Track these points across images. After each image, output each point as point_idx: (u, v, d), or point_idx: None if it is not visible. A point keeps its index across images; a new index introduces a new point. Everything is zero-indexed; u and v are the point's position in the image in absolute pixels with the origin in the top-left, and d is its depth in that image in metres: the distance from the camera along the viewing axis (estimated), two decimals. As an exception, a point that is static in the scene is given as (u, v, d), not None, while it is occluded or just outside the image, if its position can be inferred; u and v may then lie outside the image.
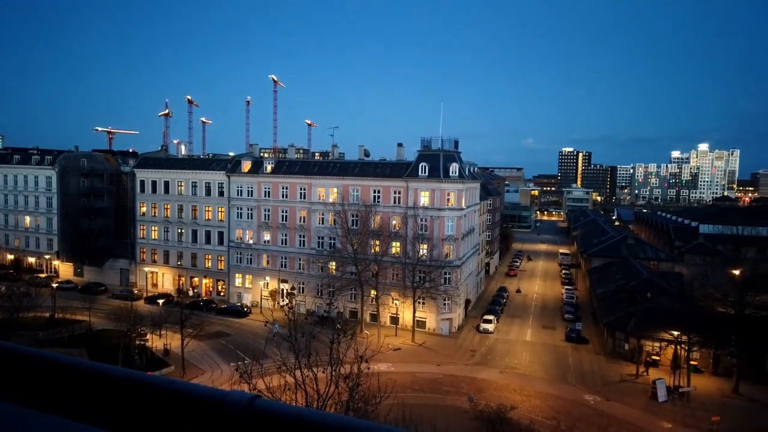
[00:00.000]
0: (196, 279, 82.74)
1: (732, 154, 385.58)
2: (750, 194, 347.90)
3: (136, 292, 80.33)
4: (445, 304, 67.21)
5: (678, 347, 51.53)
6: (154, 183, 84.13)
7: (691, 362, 51.29)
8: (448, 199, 68.01)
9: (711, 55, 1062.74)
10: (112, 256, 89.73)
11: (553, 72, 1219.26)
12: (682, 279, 70.14)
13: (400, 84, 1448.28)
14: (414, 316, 65.15)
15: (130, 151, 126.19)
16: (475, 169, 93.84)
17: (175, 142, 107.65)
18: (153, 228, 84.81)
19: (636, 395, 48.20)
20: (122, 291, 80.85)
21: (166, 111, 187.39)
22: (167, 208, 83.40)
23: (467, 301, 75.81)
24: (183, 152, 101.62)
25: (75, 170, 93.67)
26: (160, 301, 64.77)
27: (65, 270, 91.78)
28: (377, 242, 67.62)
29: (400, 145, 76.72)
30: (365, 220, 67.90)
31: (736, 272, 56.86)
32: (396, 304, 67.35)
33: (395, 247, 68.97)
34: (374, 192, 70.64)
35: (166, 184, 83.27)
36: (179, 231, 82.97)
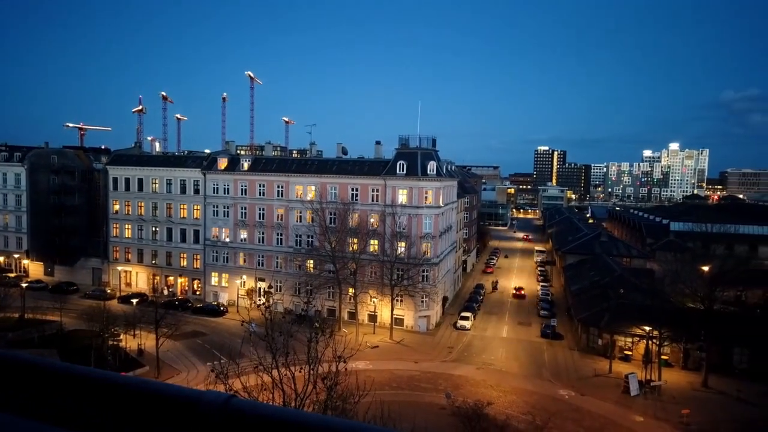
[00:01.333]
0: (171, 278, 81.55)
1: (701, 153, 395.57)
2: (719, 192, 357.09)
3: (109, 291, 78.88)
4: (423, 301, 67.54)
5: (649, 342, 52.71)
6: (127, 180, 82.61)
7: (662, 357, 52.57)
8: (426, 197, 68.30)
9: (683, 58, 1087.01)
10: (84, 255, 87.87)
11: (527, 72, 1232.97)
12: (653, 275, 71.77)
13: (378, 82, 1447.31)
14: (392, 314, 65.33)
15: (103, 147, 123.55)
16: (453, 167, 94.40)
17: (149, 138, 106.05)
18: (126, 226, 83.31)
19: (609, 389, 49.18)
20: (95, 290, 79.24)
21: (140, 107, 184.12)
22: (141, 206, 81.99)
23: (445, 299, 76.31)
24: (157, 149, 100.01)
25: (45, 167, 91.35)
26: (134, 301, 63.65)
27: (35, 269, 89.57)
28: (355, 240, 67.57)
29: (378, 143, 76.79)
30: (343, 218, 67.77)
31: (705, 268, 58.36)
32: (374, 302, 67.42)
33: (373, 245, 69.01)
34: (352, 190, 70.54)
35: (140, 181, 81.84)
36: (154, 229, 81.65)
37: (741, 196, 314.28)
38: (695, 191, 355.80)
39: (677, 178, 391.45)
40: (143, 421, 1.96)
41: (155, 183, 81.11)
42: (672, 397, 47.46)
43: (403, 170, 68.21)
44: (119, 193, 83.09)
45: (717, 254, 63.07)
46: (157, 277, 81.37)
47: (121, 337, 55.15)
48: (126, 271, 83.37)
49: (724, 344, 53.24)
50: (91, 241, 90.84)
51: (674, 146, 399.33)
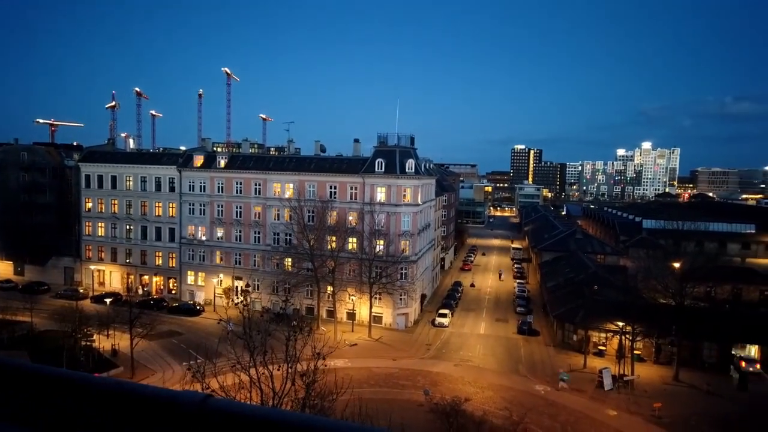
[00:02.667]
0: (146, 277, 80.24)
1: (673, 152, 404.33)
2: (689, 190, 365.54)
3: (81, 291, 77.27)
4: (401, 299, 67.73)
5: (623, 337, 53.75)
6: (100, 178, 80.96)
7: (635, 352, 53.67)
8: (405, 195, 68.46)
9: (654, 62, 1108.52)
10: (55, 254, 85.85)
11: (505, 72, 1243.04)
12: (626, 272, 73.12)
13: (356, 80, 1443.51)
14: (370, 312, 65.38)
15: (75, 144, 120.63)
16: (431, 165, 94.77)
17: (123, 135, 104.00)
18: (99, 224, 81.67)
19: (584, 384, 50.01)
20: (66, 290, 77.49)
21: (113, 103, 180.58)
22: (115, 204, 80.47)
23: (423, 296, 76.65)
24: (131, 146, 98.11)
25: (14, 164, 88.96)
26: (108, 300, 62.60)
27: (4, 269, 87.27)
28: (334, 238, 67.38)
29: (356, 141, 76.64)
30: (321, 216, 67.51)
31: (677, 265, 59.71)
32: (353, 300, 67.36)
33: (352, 243, 68.93)
34: (331, 188, 70.32)
35: (114, 178, 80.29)
36: (128, 227, 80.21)
37: (711, 194, 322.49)
38: (667, 189, 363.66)
39: (650, 176, 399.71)
40: (117, 422, 1.93)
41: (129, 180, 79.66)
42: (644, 391, 48.51)
43: (381, 168, 68.23)
44: (92, 190, 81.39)
45: (688, 251, 64.54)
46: (132, 276, 79.98)
47: (95, 337, 54.08)
48: (99, 270, 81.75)
49: (694, 339, 54.60)
50: (63, 239, 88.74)
51: (647, 145, 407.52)
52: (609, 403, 46.22)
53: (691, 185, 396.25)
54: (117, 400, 2.01)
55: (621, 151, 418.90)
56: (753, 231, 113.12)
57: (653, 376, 52.25)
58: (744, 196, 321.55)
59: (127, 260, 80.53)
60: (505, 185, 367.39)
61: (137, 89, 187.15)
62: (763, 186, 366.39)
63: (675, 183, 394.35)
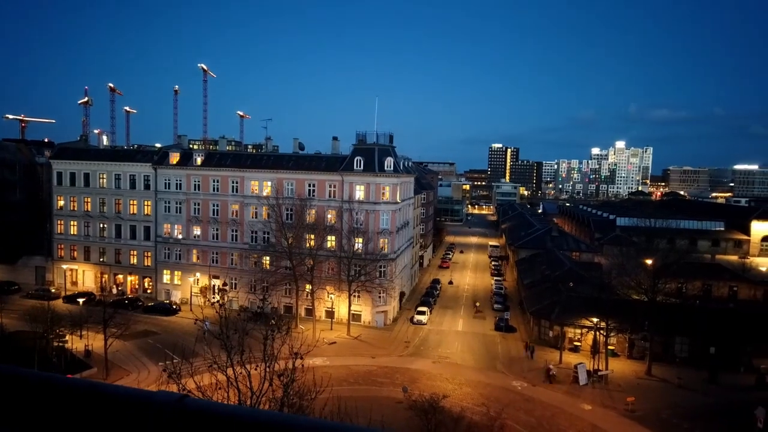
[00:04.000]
0: (120, 276, 78.87)
1: (645, 151, 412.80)
2: (661, 189, 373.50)
3: (53, 290, 75.61)
4: (380, 297, 67.85)
5: (597, 333, 54.74)
6: (72, 175, 79.21)
7: (609, 347, 54.72)
8: (383, 193, 68.53)
9: (624, 64, 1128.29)
10: (26, 253, 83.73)
11: (482, 71, 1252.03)
12: (601, 269, 74.34)
13: (335, 79, 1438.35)
14: (349, 310, 65.34)
15: (46, 141, 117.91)
16: (410, 163, 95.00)
17: (96, 131, 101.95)
18: (72, 223, 79.96)
19: (559, 379, 50.79)
20: (38, 290, 75.69)
21: (86, 99, 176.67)
22: (88, 202, 78.85)
23: (402, 294, 76.89)
24: (105, 143, 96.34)
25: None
26: (81, 300, 61.28)
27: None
28: (312, 236, 67.13)
29: (335, 138, 76.44)
30: (300, 214, 67.18)
31: (649, 262, 60.98)
32: (331, 298, 67.23)
33: (330, 241, 68.76)
34: (309, 186, 70.02)
35: (87, 176, 78.64)
36: (101, 226, 78.69)
37: (682, 192, 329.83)
38: (640, 188, 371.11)
39: (623, 175, 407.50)
40: (90, 425, 1.91)
41: (103, 178, 78.13)
42: (618, 386, 49.50)
43: (360, 166, 68.17)
44: (64, 188, 79.59)
45: (660, 248, 65.85)
46: (106, 276, 78.51)
47: (67, 338, 52.96)
48: (72, 270, 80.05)
49: (666, 334, 55.87)
50: (34, 238, 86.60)
51: (620, 144, 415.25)
52: (584, 397, 47.05)
53: (663, 184, 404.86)
54: (89, 401, 1.99)
55: (596, 150, 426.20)
56: (722, 228, 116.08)
57: (627, 371, 53.33)
58: (714, 194, 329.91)
59: (101, 259, 79.03)
60: (483, 183, 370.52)
61: (111, 85, 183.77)
62: (732, 184, 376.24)
63: (648, 181, 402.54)
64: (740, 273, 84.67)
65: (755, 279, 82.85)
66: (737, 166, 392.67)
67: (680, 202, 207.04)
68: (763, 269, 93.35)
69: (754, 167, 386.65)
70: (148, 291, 77.26)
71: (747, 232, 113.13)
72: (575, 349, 57.96)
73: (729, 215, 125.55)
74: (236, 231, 73.08)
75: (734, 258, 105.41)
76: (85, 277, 79.87)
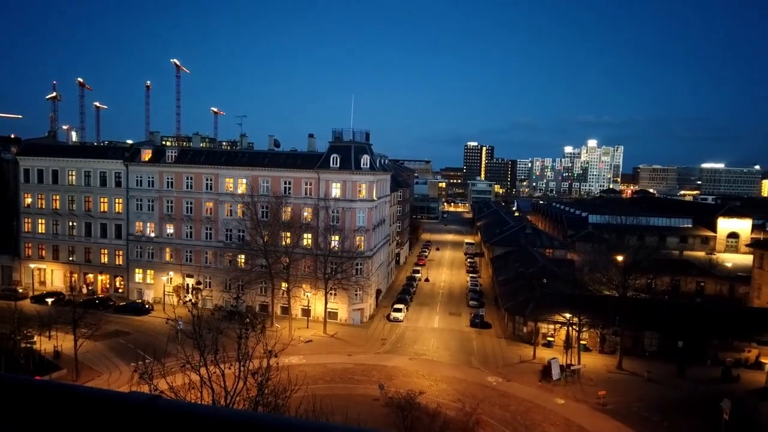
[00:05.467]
0: (90, 275, 77.16)
1: (617, 150, 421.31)
2: (632, 187, 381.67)
3: (20, 290, 73.66)
4: (356, 294, 67.83)
5: (570, 328, 55.74)
6: (40, 172, 77.12)
7: (581, 342, 55.77)
8: (360, 191, 68.48)
9: (598, 64, 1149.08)
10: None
11: (457, 70, 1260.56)
12: (573, 265, 75.74)
13: (310, 75, 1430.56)
14: (326, 308, 65.15)
15: (12, 137, 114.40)
16: (386, 161, 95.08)
17: (65, 127, 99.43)
18: (40, 221, 77.88)
19: (533, 374, 51.61)
20: (4, 290, 73.65)
21: (54, 94, 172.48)
22: (56, 200, 76.90)
23: (378, 291, 77.00)
24: (74, 139, 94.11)
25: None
26: (50, 300, 59.88)
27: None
28: (288, 234, 66.71)
29: (311, 136, 76.08)
30: (276, 211, 66.68)
31: (620, 258, 62.33)
32: (308, 296, 66.93)
33: (307, 239, 68.43)
34: (285, 183, 69.55)
35: (55, 173, 76.68)
36: (71, 224, 76.84)
37: (651, 190, 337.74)
38: (611, 185, 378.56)
39: (595, 173, 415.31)
40: (60, 427, 1.88)
41: (72, 175, 76.26)
42: (590, 380, 50.49)
43: (336, 164, 67.98)
44: (31, 185, 77.43)
45: (630, 245, 67.32)
46: (75, 275, 76.70)
47: (35, 339, 51.69)
48: (40, 269, 78.02)
49: (636, 329, 57.19)
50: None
51: (592, 143, 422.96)
52: (557, 392, 47.87)
53: (633, 182, 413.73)
54: (58, 403, 1.96)
55: (569, 149, 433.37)
56: (690, 225, 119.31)
57: (598, 365, 54.42)
58: (682, 192, 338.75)
59: (71, 258, 77.20)
60: (459, 181, 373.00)
61: (80, 79, 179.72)
62: (699, 182, 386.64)
63: (619, 179, 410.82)
64: (707, 269, 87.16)
65: (721, 274, 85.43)
66: (704, 165, 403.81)
67: (650, 199, 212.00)
68: (729, 265, 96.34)
69: (720, 166, 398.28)
70: (120, 290, 75.78)
71: (713, 228, 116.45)
72: (549, 345, 58.91)
73: (696, 212, 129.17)
74: (210, 229, 72.17)
75: (701, 254, 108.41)
76: (53, 276, 77.93)
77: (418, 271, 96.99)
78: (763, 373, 51.44)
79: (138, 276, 75.21)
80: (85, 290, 75.05)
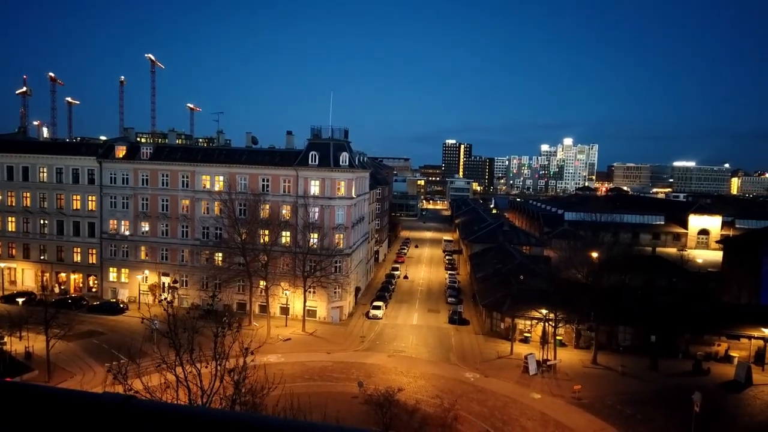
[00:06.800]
0: (63, 275, 75.53)
1: (592, 148, 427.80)
2: (606, 184, 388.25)
3: (-11, 291, 71.63)
4: (335, 292, 67.71)
5: (546, 324, 56.52)
6: (10, 169, 75.14)
7: (557, 337, 56.62)
8: (339, 188, 68.32)
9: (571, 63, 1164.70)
10: (-43, 251, 78.87)
11: (433, 68, 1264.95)
12: (550, 261, 76.73)
13: (289, 72, 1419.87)
14: (304, 306, 64.89)
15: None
16: (365, 158, 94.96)
17: (36, 123, 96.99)
18: (9, 219, 75.92)
19: (510, 370, 52.22)
20: (-28, 290, 71.58)
21: (24, 89, 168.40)
22: (27, 197, 75.05)
23: (357, 289, 76.98)
24: (45, 135, 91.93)
25: None
26: (20, 300, 58.49)
27: None
28: (266, 232, 66.23)
29: (289, 133, 75.52)
30: (254, 209, 66.12)
31: (595, 255, 63.39)
32: (286, 294, 66.59)
33: (285, 236, 68.03)
34: (263, 180, 68.99)
35: (25, 170, 74.81)
36: (42, 222, 75.07)
37: (626, 187, 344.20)
38: (586, 183, 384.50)
39: (571, 171, 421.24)
40: (33, 429, 1.87)
41: (43, 172, 74.49)
42: (566, 375, 51.30)
43: (315, 161, 67.68)
44: (1, 182, 75.41)
45: (605, 241, 68.47)
46: (47, 274, 74.98)
47: (6, 339, 50.49)
48: (10, 268, 76.07)
49: (611, 324, 58.24)
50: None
51: (568, 141, 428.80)
52: (534, 387, 48.53)
53: (607, 179, 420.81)
54: (30, 404, 1.94)
55: (545, 147, 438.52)
56: (662, 222, 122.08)
57: (574, 360, 55.31)
58: (655, 189, 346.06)
59: (42, 257, 75.44)
60: (437, 179, 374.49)
61: (51, 74, 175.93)
62: (671, 180, 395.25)
63: (594, 177, 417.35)
64: (679, 265, 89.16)
65: (692, 270, 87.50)
66: (676, 163, 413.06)
67: (624, 197, 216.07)
68: (700, 261, 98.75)
69: (692, 164, 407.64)
70: (94, 290, 74.34)
71: (685, 225, 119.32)
72: (525, 340, 59.64)
73: (669, 210, 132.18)
74: (187, 227, 71.24)
75: (673, 250, 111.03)
76: (24, 275, 76.09)
77: (397, 269, 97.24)
78: (732, 366, 52.88)
79: (112, 275, 73.89)
80: (57, 290, 73.48)
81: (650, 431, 40.89)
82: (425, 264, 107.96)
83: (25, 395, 2.01)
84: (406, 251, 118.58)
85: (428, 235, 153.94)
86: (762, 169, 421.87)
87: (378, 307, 69.86)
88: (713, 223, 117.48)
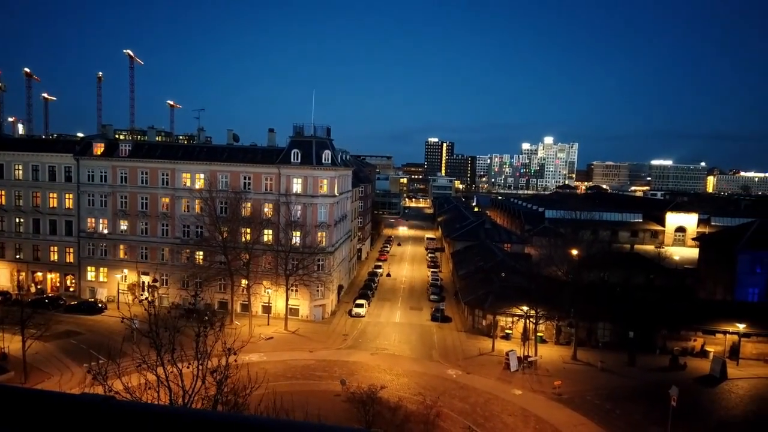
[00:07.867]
0: (39, 274, 74.10)
1: (572, 147, 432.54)
2: (586, 183, 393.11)
3: (-38, 291, 69.92)
4: (318, 290, 67.54)
5: (527, 321, 57.12)
6: (-17, 166, 73.42)
7: (538, 334, 57.26)
8: (321, 186, 68.10)
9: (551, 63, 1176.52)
10: (-71, 250, 76.83)
11: (415, 66, 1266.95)
12: (530, 259, 77.47)
13: (270, 69, 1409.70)
14: (287, 304, 64.62)
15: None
16: (347, 156, 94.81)
17: (11, 119, 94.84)
18: (-17, 217, 74.16)
19: (492, 367, 52.69)
20: (-56, 290, 69.79)
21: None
22: (2, 195, 73.50)
23: (340, 287, 76.88)
24: (21, 132, 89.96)
25: None
26: (-6, 300, 57.05)
27: None
28: (248, 230, 65.76)
29: (271, 130, 74.98)
30: (235, 207, 65.59)
31: (575, 252, 64.19)
32: (268, 293, 66.24)
33: (267, 234, 67.63)
34: (245, 178, 68.47)
35: (0, 167, 73.15)
36: (17, 221, 73.52)
37: (605, 186, 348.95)
38: (566, 182, 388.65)
39: (551, 169, 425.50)
40: (9, 431, 1.86)
41: (18, 169, 72.93)
42: (546, 371, 51.93)
43: (297, 159, 67.37)
44: (-27, 180, 73.68)
45: (584, 239, 69.37)
46: (23, 273, 73.49)
47: (-21, 341, 49.25)
48: (-17, 268, 74.36)
49: (590, 320, 59.09)
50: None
51: (549, 140, 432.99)
52: (515, 383, 49.04)
53: (587, 178, 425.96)
54: (6, 406, 1.92)
55: (526, 145, 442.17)
56: (640, 220, 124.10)
57: (554, 356, 56.00)
58: (633, 188, 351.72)
59: (17, 256, 73.90)
60: (420, 177, 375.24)
61: (27, 70, 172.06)
62: (649, 178, 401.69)
63: (574, 176, 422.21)
64: (656, 262, 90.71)
65: (669, 267, 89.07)
66: (654, 162, 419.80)
67: (603, 195, 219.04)
68: (677, 258, 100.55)
69: (669, 163, 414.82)
70: (71, 289, 73.08)
71: (662, 223, 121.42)
72: (507, 337, 60.20)
73: (646, 207, 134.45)
74: (167, 225, 70.39)
75: (651, 247, 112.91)
76: (-1, 275, 74.53)
77: (379, 267, 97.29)
78: (707, 361, 54.06)
79: (90, 274, 72.71)
80: (33, 289, 72.07)
81: (628, 425, 41.60)
82: (408, 262, 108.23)
83: (1, 397, 1.99)
84: (388, 249, 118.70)
85: (411, 233, 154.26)
86: (737, 167, 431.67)
87: (361, 305, 69.87)
88: (690, 221, 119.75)
